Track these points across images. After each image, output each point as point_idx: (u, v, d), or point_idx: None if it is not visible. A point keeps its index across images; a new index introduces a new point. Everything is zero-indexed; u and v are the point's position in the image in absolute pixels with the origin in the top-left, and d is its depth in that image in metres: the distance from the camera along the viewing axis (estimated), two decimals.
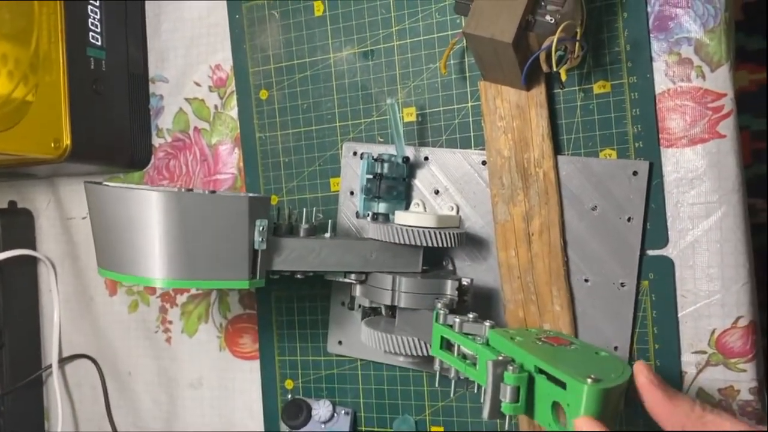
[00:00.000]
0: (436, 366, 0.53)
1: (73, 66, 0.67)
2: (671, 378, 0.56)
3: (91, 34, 0.69)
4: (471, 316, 0.50)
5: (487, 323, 0.49)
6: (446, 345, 0.51)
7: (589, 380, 0.39)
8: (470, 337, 0.49)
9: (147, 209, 0.48)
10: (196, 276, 0.49)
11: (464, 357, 0.49)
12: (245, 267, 0.50)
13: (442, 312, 0.51)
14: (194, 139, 0.73)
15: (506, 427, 0.47)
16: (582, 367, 0.42)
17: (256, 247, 0.51)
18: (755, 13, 1.30)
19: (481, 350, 0.47)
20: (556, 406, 0.41)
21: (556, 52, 0.50)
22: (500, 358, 0.43)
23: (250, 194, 0.51)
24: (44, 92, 0.66)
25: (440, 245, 0.55)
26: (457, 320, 0.50)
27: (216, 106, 0.72)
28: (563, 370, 0.40)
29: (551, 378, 0.41)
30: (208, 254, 0.49)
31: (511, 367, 0.42)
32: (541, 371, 0.42)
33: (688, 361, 0.56)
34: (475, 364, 0.47)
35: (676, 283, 0.56)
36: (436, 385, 0.54)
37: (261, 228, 0.51)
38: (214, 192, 0.51)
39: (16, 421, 0.78)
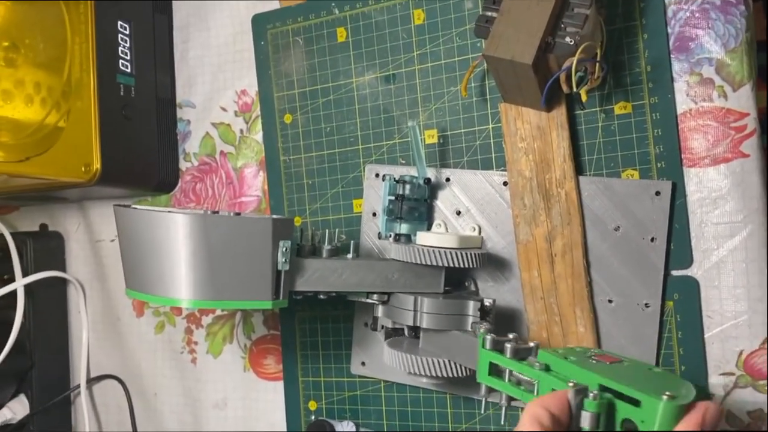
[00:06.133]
0: (482, 393, 0.51)
1: (103, 92, 0.69)
2: (698, 401, 0.55)
3: (120, 61, 0.71)
4: (512, 336, 0.49)
5: (532, 344, 0.48)
6: (495, 371, 0.49)
7: (664, 397, 0.39)
8: (525, 362, 0.47)
9: (174, 232, 0.49)
10: (220, 296, 0.50)
11: (518, 382, 0.48)
12: (269, 287, 0.51)
13: (489, 338, 0.49)
14: (220, 163, 0.75)
15: None
16: (648, 383, 0.43)
17: (280, 267, 0.52)
18: None
19: (542, 376, 0.45)
20: (625, 424, 0.41)
21: (576, 73, 0.51)
22: (571, 384, 0.42)
23: (274, 216, 0.52)
24: (75, 118, 0.68)
25: (462, 266, 0.55)
26: (509, 346, 0.48)
27: (241, 130, 0.74)
28: (636, 388, 0.40)
29: (619, 396, 0.41)
30: (232, 275, 0.50)
31: (591, 394, 0.41)
32: (605, 389, 0.42)
33: (716, 383, 0.55)
34: (531, 391, 0.46)
35: (702, 304, 0.56)
36: (483, 411, 0.53)
37: (284, 249, 0.51)
38: (238, 214, 0.52)
39: None
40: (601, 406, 0.41)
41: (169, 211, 0.49)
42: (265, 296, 0.51)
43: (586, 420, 0.41)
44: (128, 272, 0.53)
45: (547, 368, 0.46)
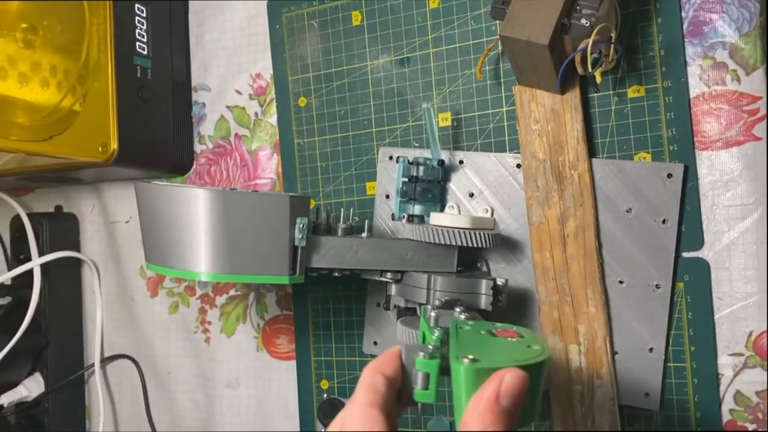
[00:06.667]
0: None
1: (120, 74, 0.69)
2: (708, 380, 0.56)
3: (138, 43, 0.72)
4: (458, 309, 0.48)
5: (462, 315, 0.46)
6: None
7: (466, 360, 0.36)
8: (438, 329, 0.44)
9: (194, 206, 0.50)
10: (238, 270, 0.51)
11: None
12: (286, 263, 0.52)
13: (429, 306, 0.49)
14: (235, 145, 0.76)
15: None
16: (487, 353, 0.39)
17: (296, 243, 0.52)
18: None
19: (434, 342, 0.42)
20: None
21: (591, 54, 0.51)
22: (414, 343, 0.40)
23: (292, 193, 0.53)
24: (93, 98, 0.69)
25: (474, 245, 0.56)
26: (433, 314, 0.47)
27: (256, 114, 0.75)
28: (456, 354, 0.38)
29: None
30: (250, 250, 0.51)
31: (422, 353, 0.39)
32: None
33: (725, 364, 0.56)
34: None
35: (712, 285, 0.56)
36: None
37: (301, 225, 0.52)
38: (256, 191, 0.53)
39: (59, 418, 0.81)
40: (430, 365, 0.39)
41: (189, 187, 0.50)
42: (282, 271, 0.52)
43: (417, 379, 0.39)
44: (148, 247, 0.53)
45: (445, 336, 0.43)
